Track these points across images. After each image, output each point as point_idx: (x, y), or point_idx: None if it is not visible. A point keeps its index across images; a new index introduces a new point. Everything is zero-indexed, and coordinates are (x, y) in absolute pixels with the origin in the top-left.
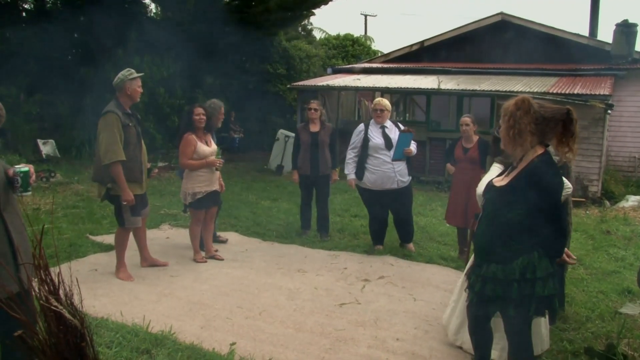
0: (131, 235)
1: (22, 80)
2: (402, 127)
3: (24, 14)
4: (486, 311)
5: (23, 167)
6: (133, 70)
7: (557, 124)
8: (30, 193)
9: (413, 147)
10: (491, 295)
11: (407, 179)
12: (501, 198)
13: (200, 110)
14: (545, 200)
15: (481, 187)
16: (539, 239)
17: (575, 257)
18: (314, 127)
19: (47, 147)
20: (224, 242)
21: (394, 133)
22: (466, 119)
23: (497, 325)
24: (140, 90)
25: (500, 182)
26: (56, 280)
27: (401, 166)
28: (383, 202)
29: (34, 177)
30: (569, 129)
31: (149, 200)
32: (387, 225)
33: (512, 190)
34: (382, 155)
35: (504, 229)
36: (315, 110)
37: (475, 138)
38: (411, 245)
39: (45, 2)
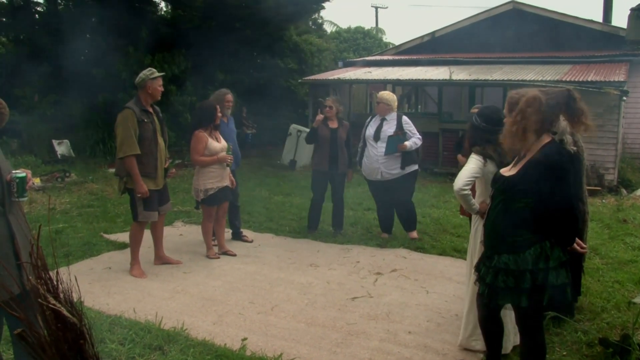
0: (146, 232)
1: (36, 81)
2: (405, 120)
3: (36, 16)
4: (498, 303)
5: (20, 173)
6: (154, 70)
7: (561, 108)
8: (26, 199)
9: (411, 142)
10: (503, 286)
11: (396, 171)
12: (511, 187)
13: (218, 107)
14: (556, 187)
15: (459, 181)
16: (551, 227)
17: (585, 246)
18: (333, 124)
19: (62, 147)
20: (250, 242)
21: (390, 126)
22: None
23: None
24: (161, 89)
25: (509, 171)
26: (54, 279)
27: (389, 160)
28: (380, 191)
29: (31, 182)
30: (574, 108)
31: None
32: (391, 214)
33: (521, 179)
34: (372, 144)
35: (515, 219)
36: (331, 107)
37: None
38: (413, 233)
39: (57, 4)
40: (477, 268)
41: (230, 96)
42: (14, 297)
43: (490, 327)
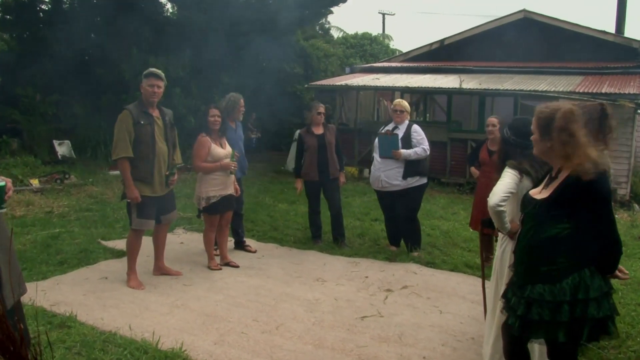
0: (146, 240)
1: (38, 80)
2: (414, 129)
3: (41, 14)
4: (530, 336)
5: None
6: (150, 69)
7: (595, 124)
8: (5, 210)
9: (410, 151)
10: (537, 319)
11: (397, 182)
12: (544, 212)
13: (215, 111)
14: (596, 210)
15: (494, 197)
16: (590, 254)
17: (627, 272)
18: (318, 130)
19: (62, 148)
20: (253, 252)
21: (400, 134)
22: (493, 119)
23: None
24: (150, 89)
25: (540, 194)
26: (17, 331)
27: (390, 168)
28: (385, 202)
29: (10, 192)
30: (605, 125)
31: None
32: (399, 227)
33: (556, 202)
34: (376, 153)
35: (550, 246)
36: (324, 113)
37: None
38: (415, 253)
39: (62, 3)
40: (505, 296)
41: (242, 101)
42: None
43: (517, 358)
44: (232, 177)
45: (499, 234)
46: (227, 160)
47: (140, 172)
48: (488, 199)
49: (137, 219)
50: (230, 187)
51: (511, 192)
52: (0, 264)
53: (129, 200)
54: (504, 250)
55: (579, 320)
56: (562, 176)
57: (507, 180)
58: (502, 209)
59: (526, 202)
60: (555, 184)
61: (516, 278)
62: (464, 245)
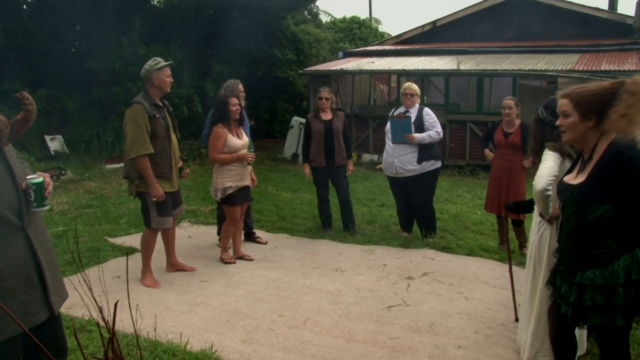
0: (158, 236)
1: (25, 74)
2: (426, 112)
3: (24, 6)
4: (586, 323)
5: (36, 178)
6: (160, 60)
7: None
8: (47, 208)
9: (424, 134)
10: (591, 304)
11: (412, 167)
12: (584, 196)
13: (235, 100)
14: (635, 186)
15: (541, 181)
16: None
17: None
18: (326, 115)
19: (54, 143)
20: (264, 243)
21: (412, 117)
22: (509, 101)
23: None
24: (169, 79)
25: (575, 179)
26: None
27: (404, 154)
28: (397, 188)
29: (50, 187)
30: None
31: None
32: (412, 213)
33: (595, 184)
34: (388, 139)
35: (596, 229)
36: (327, 99)
37: (517, 122)
38: (430, 239)
39: None
40: (553, 283)
41: (241, 86)
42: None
43: (565, 346)
44: (249, 168)
45: (538, 219)
46: (244, 151)
47: (160, 168)
48: (534, 183)
49: (158, 218)
50: (246, 178)
51: (555, 175)
52: (44, 268)
53: (154, 199)
54: (541, 235)
55: (636, 301)
56: (597, 156)
57: (550, 164)
58: (549, 193)
59: (562, 189)
60: (590, 166)
61: (564, 266)
62: (476, 229)
